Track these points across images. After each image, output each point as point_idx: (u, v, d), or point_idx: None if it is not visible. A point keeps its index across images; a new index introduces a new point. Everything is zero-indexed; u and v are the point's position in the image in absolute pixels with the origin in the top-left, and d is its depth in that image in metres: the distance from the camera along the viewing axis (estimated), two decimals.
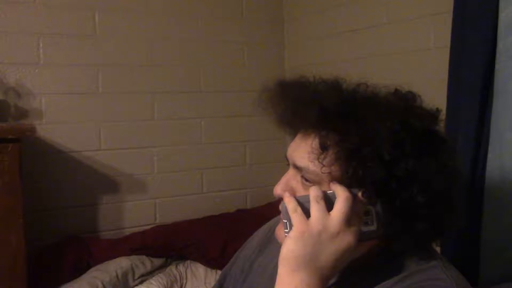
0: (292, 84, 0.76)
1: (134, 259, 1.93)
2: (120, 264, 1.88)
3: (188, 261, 2.05)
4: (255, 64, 2.42)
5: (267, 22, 2.47)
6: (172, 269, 1.99)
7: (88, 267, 1.89)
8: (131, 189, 2.18)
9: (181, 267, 2.01)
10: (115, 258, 1.91)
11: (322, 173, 0.68)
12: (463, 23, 1.40)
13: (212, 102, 2.34)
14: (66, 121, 2.03)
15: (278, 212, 0.73)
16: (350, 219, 0.66)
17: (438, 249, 1.27)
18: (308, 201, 0.67)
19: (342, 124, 0.67)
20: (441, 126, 0.73)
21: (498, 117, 1.32)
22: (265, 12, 2.46)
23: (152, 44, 2.19)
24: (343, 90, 0.72)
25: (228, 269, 0.99)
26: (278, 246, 0.69)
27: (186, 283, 1.96)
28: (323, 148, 0.68)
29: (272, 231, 0.88)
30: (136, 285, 1.86)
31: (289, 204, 0.69)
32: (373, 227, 0.68)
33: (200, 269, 2.02)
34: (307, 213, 0.67)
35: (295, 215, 0.67)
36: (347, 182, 0.67)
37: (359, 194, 0.67)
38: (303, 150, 0.71)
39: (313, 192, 0.67)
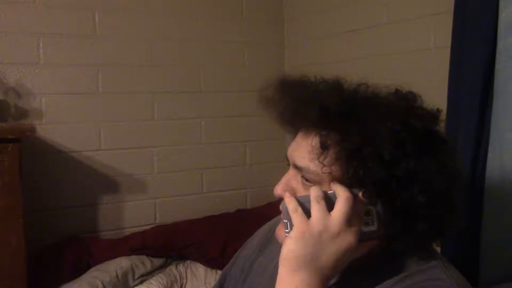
0: (293, 83, 0.76)
1: (134, 259, 1.93)
2: (120, 264, 1.87)
3: (188, 261, 2.05)
4: (255, 64, 2.42)
5: (267, 22, 2.47)
6: (172, 269, 1.99)
7: (88, 267, 1.89)
8: (131, 189, 2.18)
9: (181, 267, 2.01)
10: (115, 258, 1.91)
11: (322, 173, 0.68)
12: (464, 23, 1.40)
13: (212, 102, 2.34)
14: (66, 121, 2.03)
15: (278, 212, 0.73)
16: (350, 219, 0.66)
17: (438, 249, 1.27)
18: (309, 201, 0.67)
19: (343, 124, 0.67)
20: (442, 126, 0.73)
21: (498, 117, 1.32)
22: (265, 12, 2.46)
23: (152, 44, 2.19)
24: (344, 90, 0.72)
25: (228, 269, 0.99)
26: (279, 246, 0.69)
27: (186, 283, 1.96)
28: (324, 147, 0.68)
29: (272, 231, 0.88)
30: (136, 285, 1.86)
31: (290, 204, 0.69)
32: (373, 227, 0.68)
33: (200, 269, 2.02)
34: (307, 213, 0.67)
35: (296, 215, 0.67)
36: (348, 182, 0.67)
37: (360, 194, 0.67)
38: (303, 150, 0.71)
39: (314, 192, 0.67)
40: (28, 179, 1.66)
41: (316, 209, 0.66)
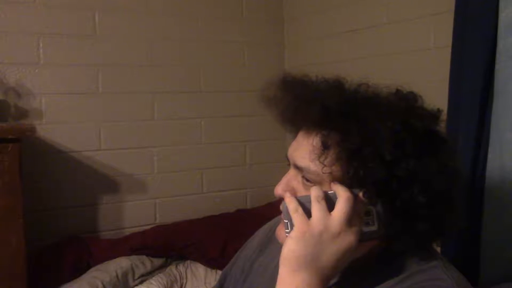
0: (294, 82, 0.76)
1: (134, 259, 1.93)
2: (120, 264, 1.87)
3: (188, 261, 2.05)
4: (255, 64, 2.42)
5: (267, 22, 2.47)
6: (172, 269, 1.99)
7: (88, 267, 1.89)
8: (131, 189, 2.18)
9: (181, 267, 2.01)
10: (115, 258, 1.91)
11: (323, 173, 0.68)
12: (464, 23, 1.40)
13: (212, 102, 2.34)
14: (66, 121, 2.03)
15: (279, 212, 0.73)
16: (351, 219, 0.66)
17: (438, 249, 1.27)
18: (309, 201, 0.67)
19: (343, 124, 0.67)
20: (442, 127, 0.73)
21: (498, 118, 1.32)
22: (265, 12, 2.46)
23: (152, 44, 2.19)
24: (345, 89, 0.72)
25: (228, 269, 0.99)
26: (279, 246, 0.69)
27: (186, 283, 1.96)
28: (325, 147, 0.68)
29: (272, 231, 0.88)
30: (136, 285, 1.86)
31: (290, 204, 0.69)
32: (374, 227, 0.68)
33: (200, 269, 2.02)
34: (308, 213, 0.67)
35: (296, 215, 0.67)
36: (348, 182, 0.67)
37: (360, 194, 0.67)
38: (304, 150, 0.71)
39: (314, 192, 0.67)
40: (28, 179, 1.66)
41: (317, 209, 0.66)
